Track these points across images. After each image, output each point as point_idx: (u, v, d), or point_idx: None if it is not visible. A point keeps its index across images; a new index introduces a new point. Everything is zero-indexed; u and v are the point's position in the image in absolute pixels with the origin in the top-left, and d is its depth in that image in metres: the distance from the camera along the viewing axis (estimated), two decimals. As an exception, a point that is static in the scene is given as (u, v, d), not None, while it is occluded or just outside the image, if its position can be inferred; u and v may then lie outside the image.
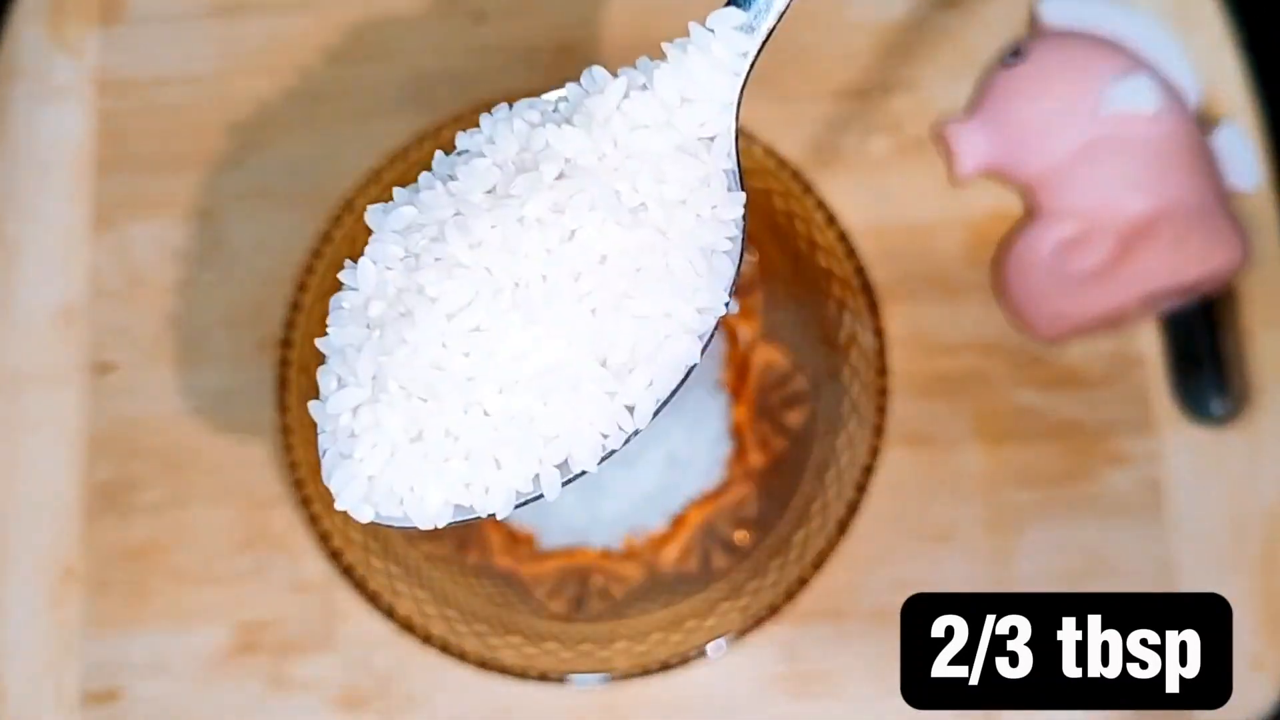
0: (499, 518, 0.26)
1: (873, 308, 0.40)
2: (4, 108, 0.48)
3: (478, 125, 0.27)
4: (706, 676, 0.43)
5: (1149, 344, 0.45)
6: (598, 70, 0.26)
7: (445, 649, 0.39)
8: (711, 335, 0.26)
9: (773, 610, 0.39)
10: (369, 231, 0.27)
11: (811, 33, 0.47)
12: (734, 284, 0.26)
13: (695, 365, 0.25)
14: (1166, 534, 0.43)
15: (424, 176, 0.26)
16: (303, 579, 0.44)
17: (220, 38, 0.48)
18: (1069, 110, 0.44)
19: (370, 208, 0.26)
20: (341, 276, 0.26)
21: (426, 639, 0.39)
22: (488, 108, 0.28)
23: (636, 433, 0.25)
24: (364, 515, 0.25)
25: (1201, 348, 0.46)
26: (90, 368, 0.46)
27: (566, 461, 0.26)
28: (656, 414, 0.25)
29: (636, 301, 0.25)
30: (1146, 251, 0.42)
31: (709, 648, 0.39)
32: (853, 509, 0.39)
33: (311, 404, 0.25)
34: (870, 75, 0.47)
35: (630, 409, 0.25)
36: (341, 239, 0.41)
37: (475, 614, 0.41)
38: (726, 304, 0.26)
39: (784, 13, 0.27)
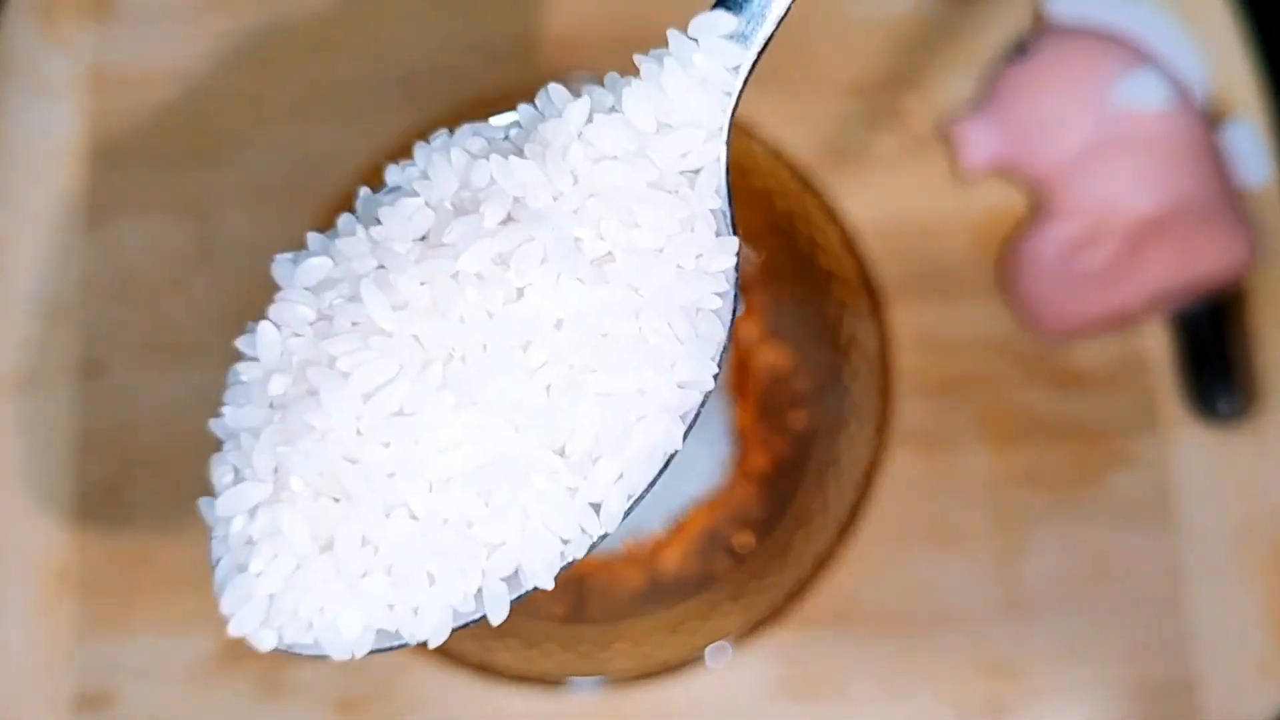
0: (430, 646, 0.21)
1: (875, 307, 0.40)
2: (-6, 104, 0.47)
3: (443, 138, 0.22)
4: (708, 680, 0.43)
5: (1156, 344, 0.45)
6: (555, 89, 0.21)
7: (442, 652, 0.39)
8: (697, 415, 0.21)
9: (774, 613, 0.39)
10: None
11: (817, 29, 0.47)
12: (725, 350, 0.21)
13: (675, 454, 0.20)
14: (1174, 535, 0.43)
15: (344, 219, 0.22)
16: (298, 582, 0.44)
17: (212, 34, 0.48)
18: (1076, 107, 0.44)
19: (278, 257, 0.22)
20: (238, 343, 0.21)
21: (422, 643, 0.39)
22: (482, 105, 0.24)
23: (604, 536, 0.20)
24: (265, 643, 0.21)
25: (1210, 348, 0.46)
26: (81, 368, 0.45)
27: (517, 574, 0.21)
28: (629, 512, 0.20)
29: (601, 376, 0.19)
30: (1154, 250, 0.42)
31: (709, 651, 0.39)
32: (854, 511, 0.39)
33: (200, 501, 0.21)
34: (876, 72, 0.47)
35: (596, 507, 0.20)
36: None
37: None
38: (715, 375, 0.21)
39: (783, 17, 0.22)
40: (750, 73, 0.22)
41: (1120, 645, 0.43)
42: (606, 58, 0.47)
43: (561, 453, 0.20)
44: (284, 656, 0.43)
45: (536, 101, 0.21)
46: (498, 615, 0.20)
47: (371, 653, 0.21)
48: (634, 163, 0.20)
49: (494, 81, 0.47)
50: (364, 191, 0.22)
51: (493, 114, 0.22)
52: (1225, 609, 0.43)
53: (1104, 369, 0.45)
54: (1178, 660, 0.43)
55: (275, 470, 0.20)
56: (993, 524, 0.44)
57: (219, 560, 0.22)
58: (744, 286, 0.44)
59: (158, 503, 0.44)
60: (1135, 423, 0.44)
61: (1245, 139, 0.45)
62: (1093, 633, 0.43)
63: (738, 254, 0.21)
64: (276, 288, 0.27)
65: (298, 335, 0.21)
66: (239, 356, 0.26)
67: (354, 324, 0.20)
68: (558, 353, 0.19)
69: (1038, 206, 0.45)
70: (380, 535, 0.20)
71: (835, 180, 0.44)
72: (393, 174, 0.22)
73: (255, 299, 0.45)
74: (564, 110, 0.20)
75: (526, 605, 0.41)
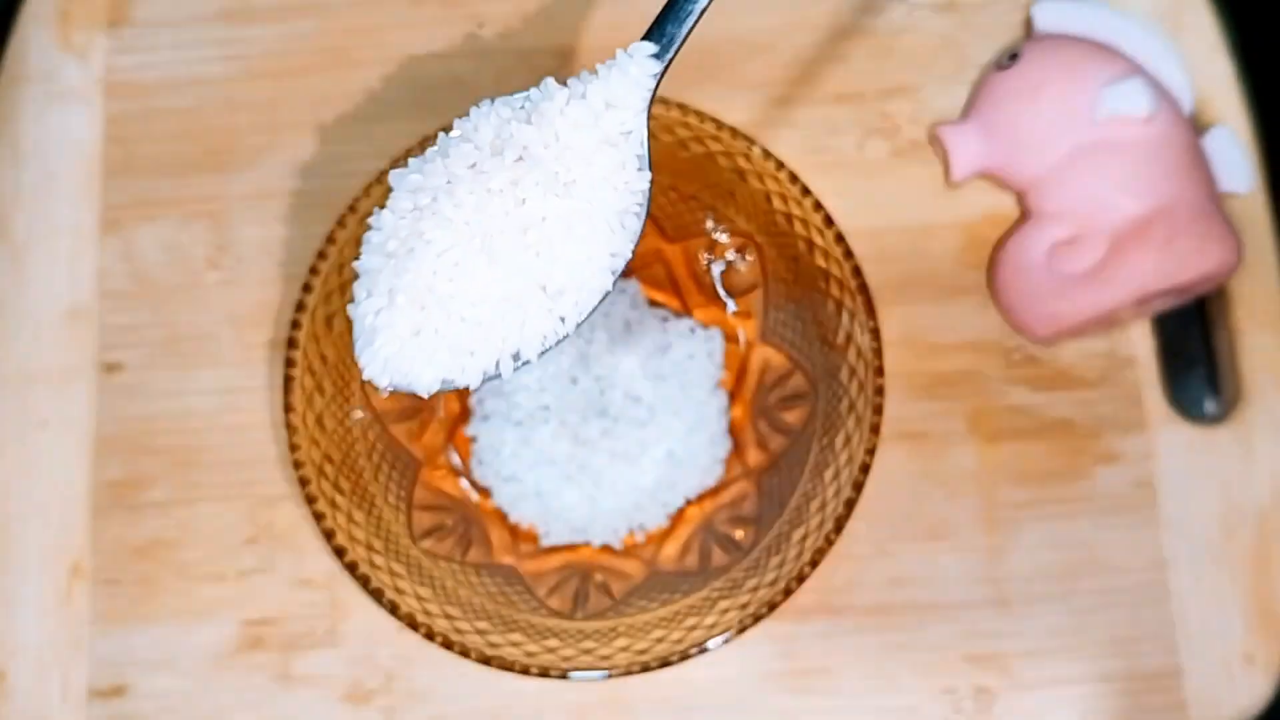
0: (471, 388, 0.34)
1: (869, 308, 0.41)
2: (12, 111, 0.48)
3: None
4: (706, 673, 0.43)
5: (1141, 344, 0.45)
6: (549, 81, 0.34)
7: (447, 646, 0.39)
8: (619, 273, 0.34)
9: (771, 607, 0.39)
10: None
11: (810, 38, 0.48)
12: (639, 236, 0.34)
13: (609, 292, 0.34)
14: (1159, 531, 0.44)
15: (430, 150, 0.34)
16: (307, 576, 0.44)
17: (226, 41, 0.48)
18: (1062, 113, 0.44)
19: (392, 171, 0.34)
20: (370, 220, 0.34)
21: (429, 636, 0.39)
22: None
23: (566, 337, 0.34)
24: (382, 384, 0.33)
25: (1193, 347, 0.46)
26: (98, 367, 0.46)
27: (519, 353, 0.34)
28: (579, 325, 0.34)
29: (569, 248, 0.33)
30: (1139, 253, 0.43)
31: (709, 644, 0.39)
32: (850, 507, 0.40)
33: (349, 307, 0.34)
34: (868, 80, 0.48)
35: (562, 320, 0.34)
36: (345, 241, 0.42)
37: (477, 611, 0.41)
38: (630, 254, 0.34)
39: (683, 43, 0.36)
40: (662, 76, 0.35)
41: (1107, 637, 0.43)
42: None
43: (544, 289, 0.33)
44: (291, 648, 0.44)
45: (538, 88, 0.34)
46: (507, 373, 0.34)
47: (438, 392, 0.34)
48: (592, 129, 0.34)
49: (499, 91, 0.48)
50: (442, 135, 0.34)
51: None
52: (1209, 601, 0.43)
53: (1090, 369, 0.45)
54: (1163, 651, 0.43)
55: (389, 291, 0.33)
56: (982, 519, 0.44)
57: (358, 339, 0.34)
58: (742, 287, 0.44)
59: (172, 498, 0.45)
60: (1121, 421, 0.45)
61: (1228, 145, 0.45)
62: (1080, 625, 0.43)
63: (650, 180, 0.34)
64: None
65: (402, 219, 0.33)
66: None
67: (433, 214, 0.33)
68: (543, 236, 0.33)
69: (1025, 210, 0.45)
70: (446, 329, 0.33)
71: (829, 184, 0.44)
72: (457, 124, 0.34)
73: (268, 300, 0.46)
74: (553, 95, 0.34)
75: (529, 600, 0.42)
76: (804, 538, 0.40)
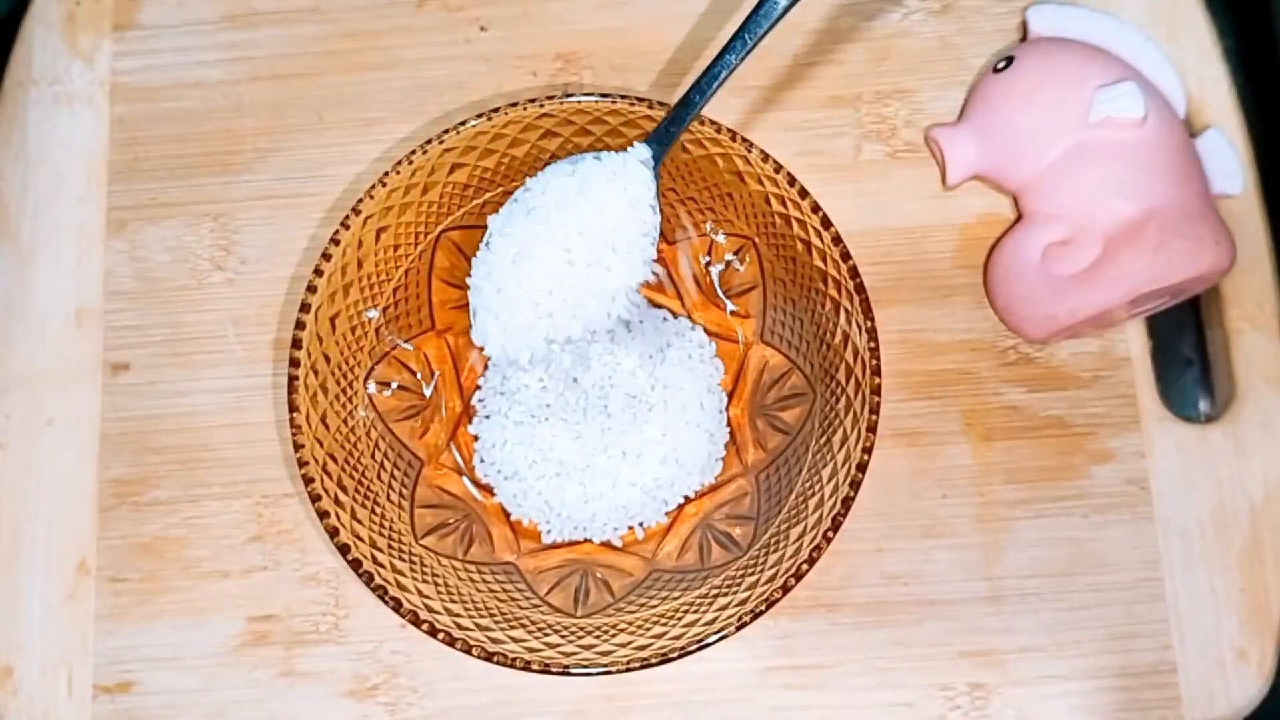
0: (566, 344, 0.39)
1: (866, 309, 0.41)
2: (19, 114, 0.48)
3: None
4: (704, 668, 0.43)
5: (1135, 344, 0.46)
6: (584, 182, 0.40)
7: (450, 643, 0.40)
8: (639, 283, 0.40)
9: (769, 604, 0.39)
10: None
11: (807, 42, 0.48)
12: (653, 260, 0.40)
13: (636, 289, 0.40)
14: (1152, 529, 0.44)
15: (517, 196, 0.40)
16: (311, 573, 0.45)
17: (230, 45, 0.49)
18: (1057, 116, 0.44)
19: (491, 218, 0.41)
20: (489, 218, 0.40)
21: (432, 633, 0.40)
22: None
23: (618, 318, 0.40)
24: (493, 353, 0.39)
25: (1187, 347, 0.46)
26: (104, 367, 0.46)
27: (594, 331, 0.40)
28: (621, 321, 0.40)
29: (608, 274, 0.39)
30: (1132, 254, 0.43)
31: (708, 641, 0.39)
32: (848, 506, 0.40)
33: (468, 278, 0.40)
34: (864, 83, 0.48)
35: (614, 314, 0.40)
36: (349, 243, 0.42)
37: (479, 608, 0.41)
38: (646, 278, 0.40)
39: (674, 143, 0.41)
40: (659, 167, 0.40)
41: (1101, 633, 0.43)
42: (598, 69, 0.48)
43: (613, 297, 0.40)
44: (295, 644, 0.44)
45: (575, 180, 0.40)
46: (604, 328, 0.40)
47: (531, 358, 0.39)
48: (615, 202, 0.40)
49: (500, 94, 0.48)
50: (518, 192, 0.41)
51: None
52: (1203, 598, 0.43)
53: (1084, 369, 0.45)
54: (1157, 648, 0.43)
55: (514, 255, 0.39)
56: (977, 517, 0.44)
57: (476, 315, 0.39)
58: (740, 289, 0.44)
59: (178, 496, 0.45)
60: (1114, 421, 0.45)
61: (1221, 147, 0.45)
62: (1075, 621, 0.43)
63: (658, 237, 0.40)
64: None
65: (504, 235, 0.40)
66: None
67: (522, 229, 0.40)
68: (588, 261, 0.39)
69: (1020, 212, 0.46)
70: (541, 306, 0.39)
71: (826, 187, 0.44)
72: (530, 183, 0.40)
73: (272, 300, 0.47)
74: (587, 181, 0.40)
75: (531, 597, 0.42)
76: (802, 535, 0.41)
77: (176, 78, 0.49)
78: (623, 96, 0.43)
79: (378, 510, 0.42)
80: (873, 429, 0.40)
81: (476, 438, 0.46)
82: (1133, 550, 0.44)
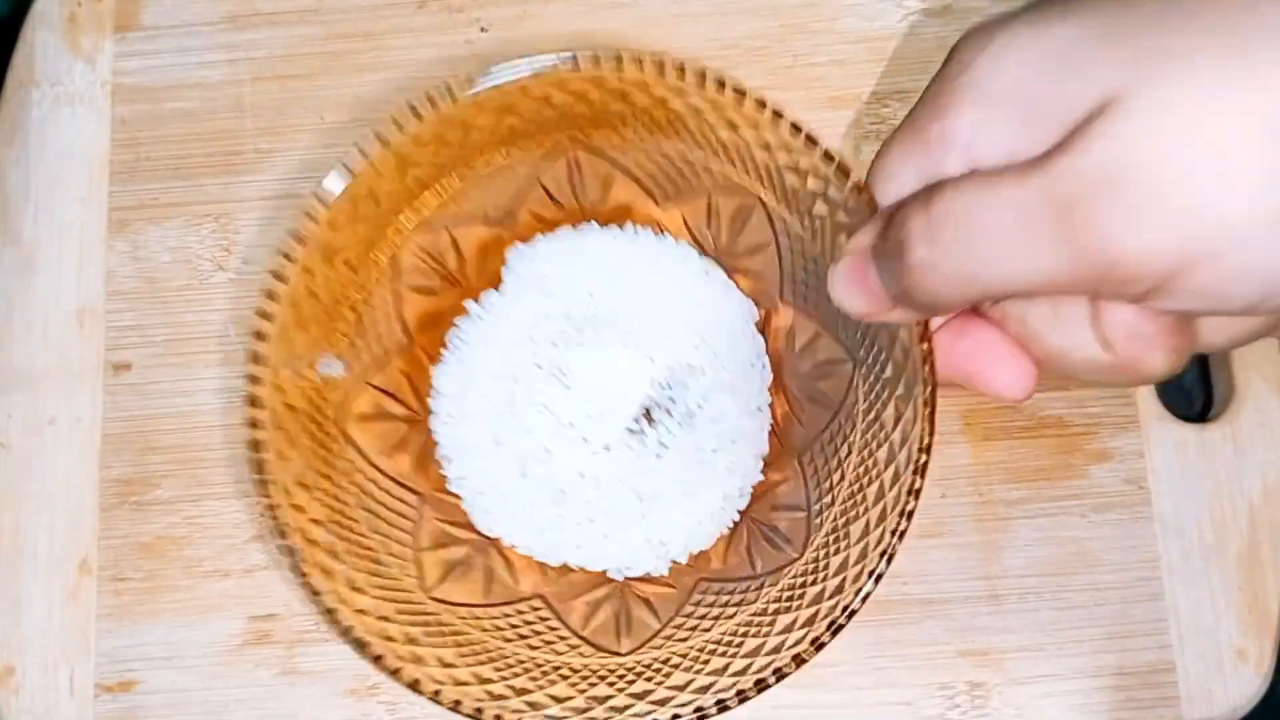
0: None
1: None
2: (21, 115, 0.49)
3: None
4: (704, 667, 0.43)
5: (1134, 344, 0.46)
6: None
7: (477, 716, 0.34)
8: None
9: (848, 614, 0.33)
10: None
11: (805, 42, 0.48)
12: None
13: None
14: (1151, 529, 0.44)
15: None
16: (312, 572, 0.45)
17: (232, 46, 0.49)
18: None
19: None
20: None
21: (457, 709, 0.34)
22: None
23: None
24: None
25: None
26: (106, 367, 0.46)
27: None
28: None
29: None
30: None
31: (783, 669, 0.34)
32: (916, 494, 0.34)
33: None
34: (863, 84, 0.48)
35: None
36: (296, 272, 0.37)
37: (510, 662, 0.37)
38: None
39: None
40: None
41: (1100, 633, 0.43)
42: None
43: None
44: (297, 643, 0.43)
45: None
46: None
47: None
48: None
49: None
50: None
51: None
52: (1201, 598, 0.44)
53: (1083, 368, 0.46)
54: (1156, 647, 0.43)
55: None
56: (975, 518, 0.44)
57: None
58: (750, 250, 0.42)
59: (179, 495, 0.45)
60: (1113, 420, 0.45)
61: None
62: (1073, 621, 0.44)
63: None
64: None
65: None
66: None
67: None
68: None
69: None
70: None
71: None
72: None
73: (273, 300, 0.46)
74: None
75: (566, 637, 0.37)
76: (866, 533, 0.35)
77: (178, 78, 0.49)
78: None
79: (379, 570, 0.37)
80: (930, 403, 0.34)
81: (461, 480, 0.41)
82: (1131, 550, 0.44)
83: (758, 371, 0.42)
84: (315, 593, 0.35)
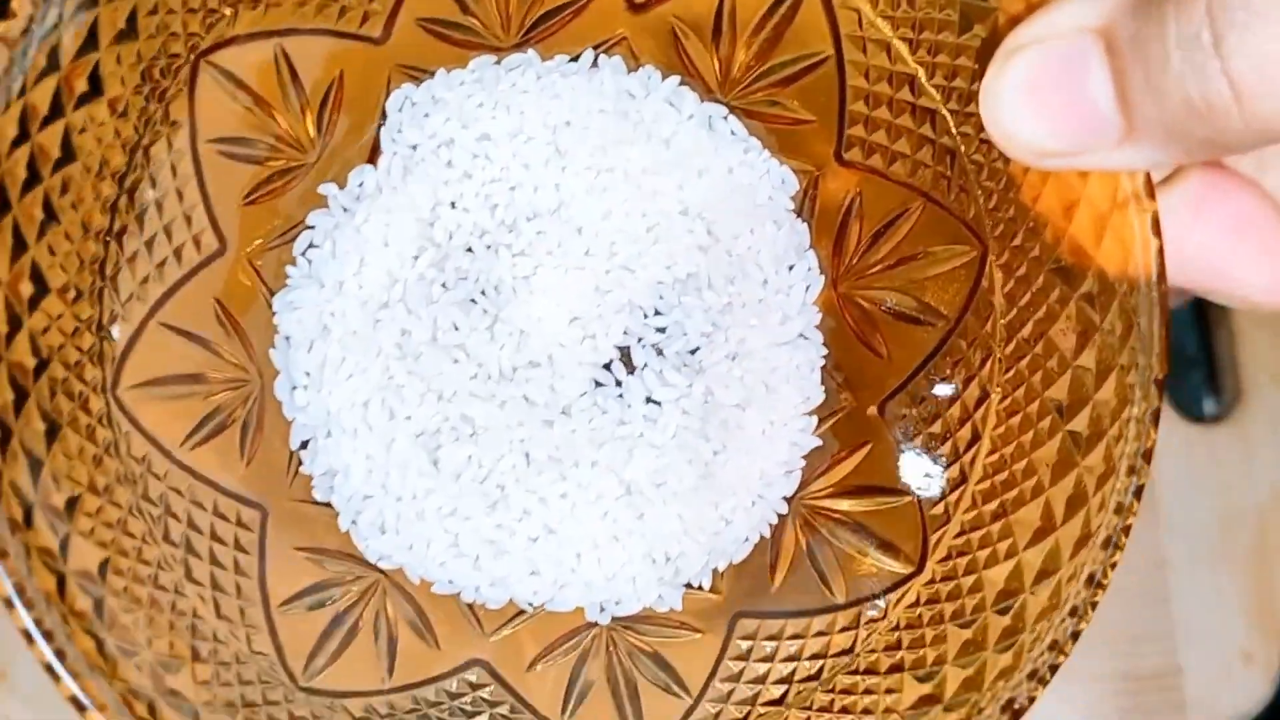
0: None
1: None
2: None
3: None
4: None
5: (1142, 344, 0.46)
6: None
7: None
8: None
9: (1039, 683, 0.21)
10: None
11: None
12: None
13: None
14: (1158, 531, 0.44)
15: None
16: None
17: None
18: None
19: None
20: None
21: None
22: None
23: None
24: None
25: (1193, 347, 0.46)
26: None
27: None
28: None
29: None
30: None
31: None
32: (1138, 493, 0.22)
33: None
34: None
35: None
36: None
37: None
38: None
39: None
40: None
41: (1108, 636, 0.43)
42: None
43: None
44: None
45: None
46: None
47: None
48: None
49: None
50: None
51: None
52: (1209, 600, 0.43)
53: (1090, 368, 0.45)
54: (1163, 651, 0.43)
55: None
56: (982, 518, 0.44)
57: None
58: (787, 76, 0.27)
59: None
60: (1120, 420, 0.45)
61: None
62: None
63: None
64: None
65: None
66: None
67: None
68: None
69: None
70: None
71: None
72: None
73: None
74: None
75: None
76: (1047, 520, 0.23)
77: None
78: None
79: (201, 650, 0.23)
80: (1164, 307, 0.22)
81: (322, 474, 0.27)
82: (1138, 552, 0.44)
83: (800, 276, 0.26)
84: (81, 707, 0.21)
